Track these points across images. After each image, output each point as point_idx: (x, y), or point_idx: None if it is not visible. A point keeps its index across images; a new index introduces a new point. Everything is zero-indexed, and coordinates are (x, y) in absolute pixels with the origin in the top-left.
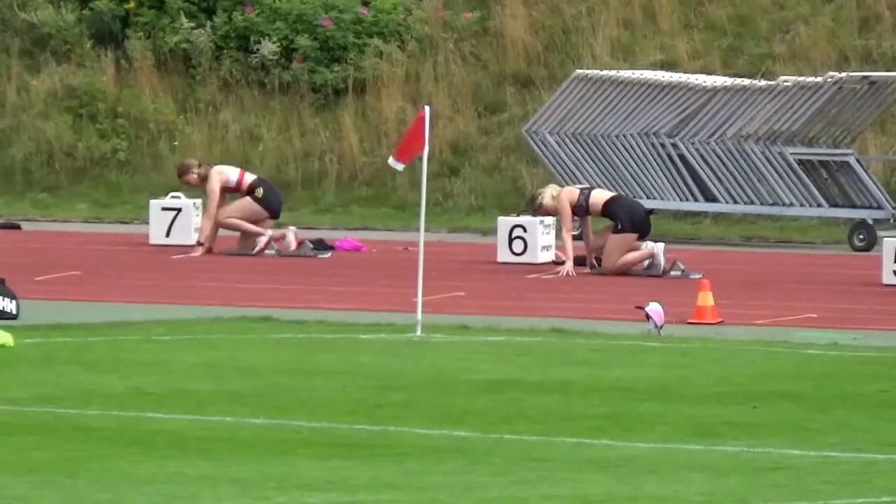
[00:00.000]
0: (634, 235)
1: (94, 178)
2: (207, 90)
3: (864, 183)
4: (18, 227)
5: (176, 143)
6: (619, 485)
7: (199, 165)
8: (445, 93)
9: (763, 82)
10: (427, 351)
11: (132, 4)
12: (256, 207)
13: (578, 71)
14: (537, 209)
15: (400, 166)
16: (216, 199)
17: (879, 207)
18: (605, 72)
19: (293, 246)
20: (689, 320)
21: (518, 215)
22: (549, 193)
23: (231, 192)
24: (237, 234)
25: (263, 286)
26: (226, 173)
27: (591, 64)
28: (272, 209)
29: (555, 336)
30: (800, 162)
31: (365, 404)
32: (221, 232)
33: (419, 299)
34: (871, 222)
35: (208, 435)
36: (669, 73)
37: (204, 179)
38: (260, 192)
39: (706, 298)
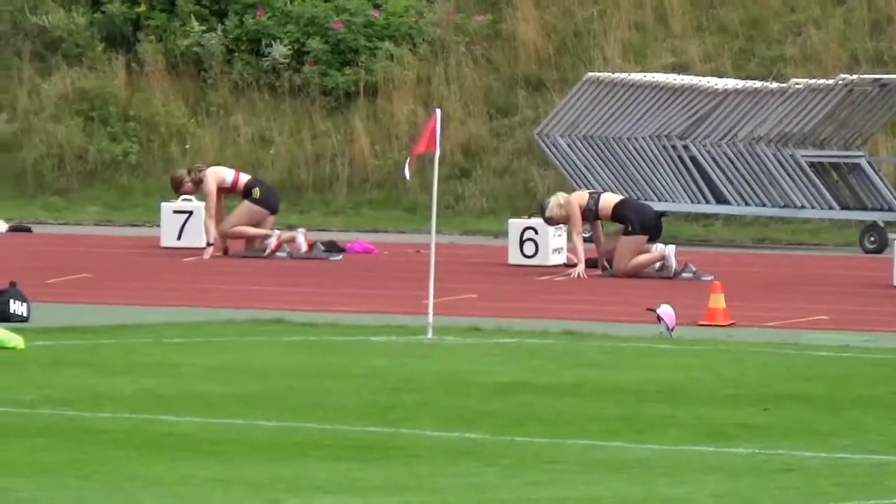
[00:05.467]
0: (645, 237)
1: (106, 181)
2: (219, 93)
3: (876, 185)
4: (29, 230)
5: (187, 146)
6: (632, 486)
7: (190, 172)
8: (457, 96)
9: (774, 85)
10: (438, 353)
11: (143, 8)
12: (256, 208)
13: (590, 74)
14: (548, 221)
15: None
16: (214, 199)
17: (890, 210)
18: (616, 74)
19: (304, 248)
20: (701, 322)
21: (529, 217)
22: (554, 203)
23: (227, 192)
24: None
25: (274, 288)
26: (221, 173)
27: (603, 67)
28: (271, 206)
29: (566, 338)
30: (811, 164)
31: (376, 406)
32: None
33: (430, 301)
34: (882, 224)
35: (220, 437)
36: (681, 76)
37: (199, 184)
38: (257, 192)
39: (718, 300)
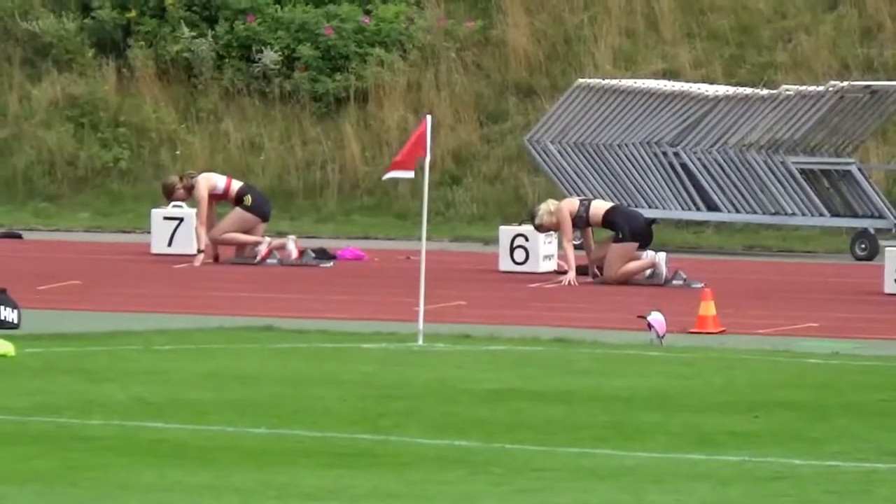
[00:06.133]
0: (635, 245)
1: (96, 188)
2: (209, 99)
3: (866, 192)
4: (20, 237)
5: (178, 151)
6: (621, 494)
7: (182, 178)
8: (447, 102)
9: (765, 91)
10: (429, 360)
11: (134, 13)
12: (248, 216)
13: (580, 80)
14: (538, 228)
15: (401, 174)
16: (206, 205)
17: (881, 217)
18: (607, 81)
19: (295, 255)
20: (691, 329)
21: (520, 224)
22: (545, 210)
23: (219, 199)
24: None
25: (265, 295)
26: (213, 179)
27: (593, 73)
28: (262, 214)
29: (557, 345)
30: (802, 171)
31: (366, 413)
32: None
33: (421, 308)
34: (872, 232)
35: (210, 444)
36: (671, 83)
37: (191, 190)
38: (248, 199)
39: (708, 308)
